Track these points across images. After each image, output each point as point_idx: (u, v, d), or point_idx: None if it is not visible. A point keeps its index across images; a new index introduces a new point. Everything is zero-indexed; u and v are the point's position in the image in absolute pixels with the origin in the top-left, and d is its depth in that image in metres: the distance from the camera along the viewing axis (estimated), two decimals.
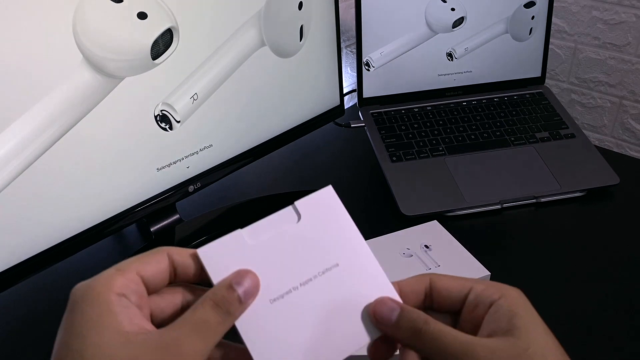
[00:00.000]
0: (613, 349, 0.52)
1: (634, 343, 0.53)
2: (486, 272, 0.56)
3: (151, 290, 0.29)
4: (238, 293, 0.28)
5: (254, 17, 0.60)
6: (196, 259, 0.29)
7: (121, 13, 0.49)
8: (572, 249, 0.65)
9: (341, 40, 0.74)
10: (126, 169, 0.54)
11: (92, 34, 0.47)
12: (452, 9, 0.81)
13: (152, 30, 0.51)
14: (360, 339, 0.31)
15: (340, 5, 0.71)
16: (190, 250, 0.30)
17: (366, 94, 0.83)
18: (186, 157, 0.60)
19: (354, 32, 0.80)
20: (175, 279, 0.30)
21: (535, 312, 0.30)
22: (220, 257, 0.30)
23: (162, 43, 0.53)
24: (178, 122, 0.57)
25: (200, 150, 0.61)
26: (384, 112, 0.83)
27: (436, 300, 0.32)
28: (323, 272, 0.31)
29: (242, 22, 0.59)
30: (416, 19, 0.81)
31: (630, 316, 0.56)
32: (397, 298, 0.31)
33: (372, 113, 0.83)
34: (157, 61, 0.53)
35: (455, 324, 0.32)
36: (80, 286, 0.27)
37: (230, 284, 0.28)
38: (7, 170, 0.46)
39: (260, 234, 0.31)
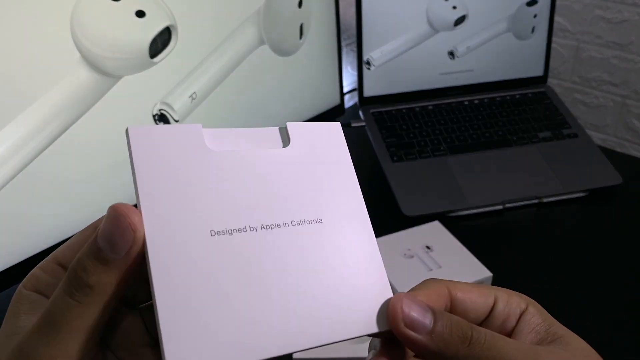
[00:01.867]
0: (616, 349, 0.52)
1: (638, 342, 0.53)
2: (488, 274, 0.56)
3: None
4: (104, 251, 0.20)
5: (253, 15, 0.60)
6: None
7: (119, 11, 0.48)
8: (574, 250, 0.65)
9: (341, 39, 0.73)
10: (125, 168, 0.54)
11: (90, 33, 0.47)
12: (454, 7, 0.80)
13: (150, 29, 0.51)
14: (350, 329, 0.22)
15: (340, 3, 0.71)
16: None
17: (367, 93, 0.83)
18: None
19: (354, 31, 0.80)
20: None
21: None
22: (161, 148, 0.21)
23: (161, 41, 0.52)
24: (177, 121, 0.57)
25: None
26: (385, 111, 0.82)
27: (456, 312, 0.27)
28: (297, 224, 0.23)
29: (241, 21, 0.59)
30: (417, 17, 0.80)
31: (634, 316, 0.56)
32: (383, 274, 0.25)
33: (373, 112, 0.82)
34: (155, 60, 0.52)
35: None
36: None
37: (92, 242, 0.21)
38: (4, 169, 0.45)
39: (228, 143, 0.23)
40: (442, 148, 0.76)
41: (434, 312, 0.24)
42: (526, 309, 0.28)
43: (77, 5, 0.46)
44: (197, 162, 0.22)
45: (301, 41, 0.67)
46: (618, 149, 1.11)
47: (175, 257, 0.20)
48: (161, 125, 0.23)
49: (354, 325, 0.23)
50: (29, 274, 0.24)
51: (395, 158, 0.75)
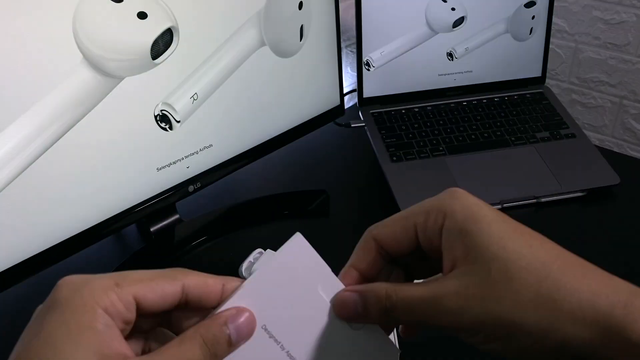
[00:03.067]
0: None
1: None
2: None
3: (147, 314, 0.26)
4: (230, 333, 0.26)
5: (254, 16, 0.60)
6: (219, 287, 0.27)
7: (121, 13, 0.49)
8: (572, 249, 0.65)
9: (341, 40, 0.74)
10: (126, 169, 0.54)
11: (92, 34, 0.47)
12: (453, 9, 0.81)
13: (152, 30, 0.51)
14: None
15: (340, 5, 0.71)
16: (214, 279, 0.27)
17: (366, 93, 0.83)
18: (186, 157, 0.60)
19: (354, 32, 0.80)
20: (184, 306, 0.27)
21: (485, 207, 0.27)
22: (292, 262, 0.29)
23: (162, 43, 0.53)
24: (178, 122, 0.57)
25: (200, 150, 0.61)
26: (384, 112, 0.83)
27: (393, 253, 0.29)
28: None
29: (242, 22, 0.59)
30: (416, 19, 0.80)
31: None
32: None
33: (373, 113, 0.83)
34: (157, 61, 0.53)
35: (432, 267, 0.29)
36: (69, 284, 0.24)
37: (225, 320, 0.26)
38: (6, 170, 0.46)
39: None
40: (440, 148, 0.77)
41: (360, 298, 0.27)
42: (443, 223, 0.27)
43: (79, 6, 0.46)
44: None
45: (301, 42, 0.67)
46: (616, 149, 1.11)
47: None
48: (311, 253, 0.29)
49: None
50: (103, 289, 0.24)
51: (394, 158, 0.75)
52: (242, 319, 0.26)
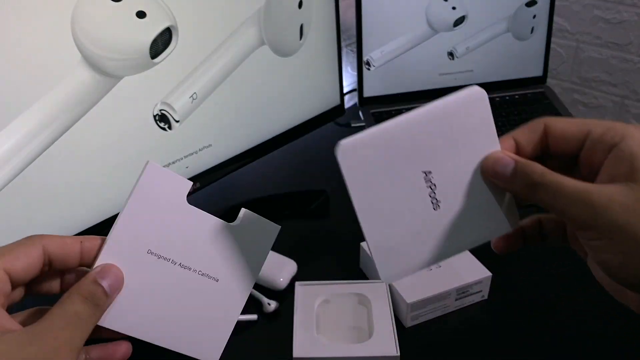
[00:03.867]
0: (614, 347, 0.52)
1: (636, 342, 0.53)
2: (487, 273, 0.56)
3: (20, 283, 0.28)
4: (103, 287, 0.29)
5: (254, 16, 0.60)
6: (79, 245, 0.29)
7: (120, 12, 0.48)
8: (573, 249, 0.65)
9: (341, 39, 0.73)
10: (125, 168, 0.54)
11: (91, 33, 0.47)
12: (453, 8, 0.81)
13: (151, 29, 0.51)
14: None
15: (340, 4, 0.71)
16: (72, 238, 0.30)
17: (367, 93, 0.83)
18: (185, 157, 0.59)
19: (354, 31, 0.80)
20: (49, 269, 0.30)
21: None
22: (155, 189, 0.31)
23: (161, 42, 0.52)
24: (177, 121, 0.57)
25: (200, 150, 0.61)
26: (385, 111, 0.83)
27: (552, 146, 0.31)
28: (201, 274, 0.33)
29: (241, 21, 0.59)
30: (417, 18, 0.80)
31: (634, 314, 0.56)
32: (223, 339, 0.33)
33: (373, 113, 0.82)
34: (156, 60, 0.53)
35: (573, 170, 0.31)
36: None
37: (94, 278, 0.29)
38: (5, 170, 0.45)
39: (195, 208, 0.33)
40: None
41: (515, 163, 0.30)
42: (619, 142, 0.28)
43: (78, 6, 0.46)
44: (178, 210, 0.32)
45: (301, 42, 0.67)
46: None
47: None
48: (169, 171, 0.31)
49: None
50: None
51: None
52: (109, 273, 0.29)
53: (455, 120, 0.31)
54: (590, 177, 0.29)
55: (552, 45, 0.89)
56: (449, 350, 0.52)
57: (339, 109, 0.77)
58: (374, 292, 0.54)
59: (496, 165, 0.31)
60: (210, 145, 0.61)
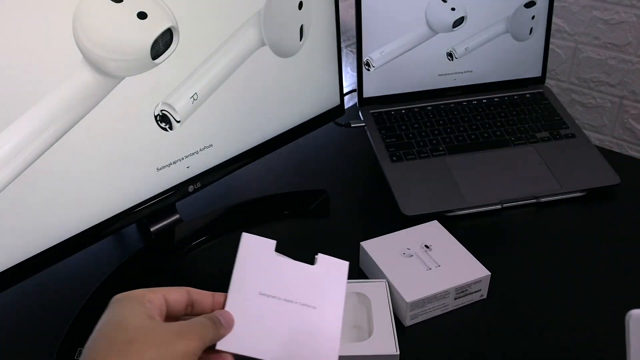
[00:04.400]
0: (614, 349, 0.52)
1: None
2: (486, 272, 0.56)
3: (170, 313, 0.37)
4: (220, 319, 0.37)
5: (254, 16, 0.60)
6: (212, 297, 0.39)
7: (121, 13, 0.49)
8: (572, 249, 0.65)
9: (341, 40, 0.74)
10: (126, 169, 0.54)
11: (92, 34, 0.47)
12: (453, 9, 0.81)
13: (152, 30, 0.51)
14: None
15: (340, 5, 0.71)
16: (208, 293, 0.39)
17: (366, 93, 0.83)
18: (186, 157, 0.60)
19: (354, 32, 0.80)
20: (190, 313, 0.38)
21: None
22: (252, 251, 0.42)
23: (162, 43, 0.53)
24: (178, 122, 0.57)
25: (200, 150, 0.61)
26: (384, 112, 0.83)
27: None
28: (302, 304, 0.40)
29: (242, 22, 0.59)
30: (416, 19, 0.80)
31: None
32: (335, 347, 0.39)
33: (372, 113, 0.83)
34: (157, 61, 0.53)
35: None
36: (120, 294, 0.36)
37: (216, 315, 0.37)
38: (7, 170, 0.46)
39: (284, 257, 0.42)
40: (440, 148, 0.77)
41: None
42: None
43: (79, 6, 0.46)
44: (268, 260, 0.42)
45: (301, 42, 0.67)
46: (615, 149, 1.11)
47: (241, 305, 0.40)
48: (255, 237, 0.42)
49: None
50: (144, 291, 0.36)
51: (394, 158, 0.75)
52: (225, 314, 0.38)
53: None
54: None
55: (550, 46, 0.89)
56: (449, 349, 0.53)
57: (339, 109, 0.77)
58: (374, 291, 0.54)
59: None
60: (211, 145, 0.62)
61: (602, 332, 0.54)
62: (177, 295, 0.37)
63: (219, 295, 0.39)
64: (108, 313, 0.34)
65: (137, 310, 0.34)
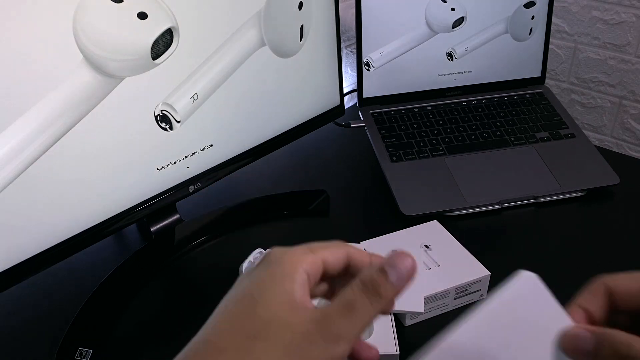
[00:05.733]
0: None
1: None
2: (486, 272, 0.56)
3: (326, 276, 0.31)
4: (389, 276, 0.28)
5: (254, 17, 0.60)
6: (368, 258, 0.31)
7: (121, 13, 0.49)
8: (572, 249, 0.65)
9: (341, 40, 0.74)
10: (126, 169, 0.54)
11: (92, 34, 0.47)
12: (452, 9, 0.81)
13: (152, 30, 0.51)
14: None
15: (340, 5, 0.71)
16: (367, 253, 0.31)
17: (366, 94, 0.83)
18: (186, 157, 0.60)
19: (354, 32, 0.80)
20: (346, 274, 0.31)
21: None
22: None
23: (162, 43, 0.53)
24: (178, 122, 0.57)
25: (201, 150, 0.61)
26: (384, 112, 0.83)
27: (621, 305, 0.30)
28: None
29: (242, 22, 0.59)
30: (416, 19, 0.81)
31: None
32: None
33: (372, 113, 0.83)
34: (157, 61, 0.53)
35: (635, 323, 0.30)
36: (277, 251, 0.29)
37: (381, 266, 0.28)
38: (7, 170, 0.46)
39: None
40: (440, 148, 0.77)
41: (594, 337, 0.27)
42: None
43: (80, 7, 0.46)
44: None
45: (301, 43, 0.67)
46: (615, 149, 1.11)
47: None
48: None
49: None
50: (304, 253, 0.29)
51: (394, 158, 0.75)
52: (398, 261, 0.28)
53: (516, 310, 0.29)
54: None
55: (550, 46, 0.89)
56: None
57: (339, 109, 0.77)
58: None
59: (575, 342, 0.28)
60: (211, 145, 0.62)
61: None
62: (336, 255, 0.30)
63: (376, 257, 0.32)
64: (250, 278, 0.29)
65: (283, 287, 0.28)
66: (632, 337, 0.27)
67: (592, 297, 0.31)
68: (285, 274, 0.28)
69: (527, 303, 0.30)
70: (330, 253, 0.30)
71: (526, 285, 0.30)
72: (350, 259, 0.31)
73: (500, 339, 0.29)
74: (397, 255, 0.29)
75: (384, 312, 0.29)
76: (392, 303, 0.29)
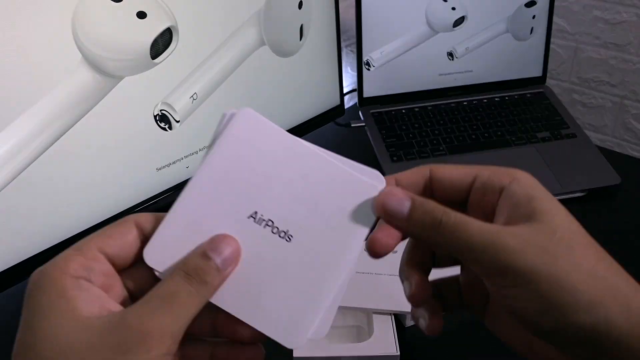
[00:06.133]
0: None
1: None
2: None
3: (121, 265, 0.26)
4: (214, 261, 0.25)
5: (254, 16, 0.60)
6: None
7: (120, 12, 0.49)
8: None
9: (341, 40, 0.74)
10: (125, 169, 0.54)
11: (92, 34, 0.47)
12: (453, 8, 0.81)
13: (151, 30, 0.51)
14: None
15: (340, 4, 0.71)
16: (160, 215, 0.27)
17: (366, 93, 0.83)
18: (186, 157, 0.60)
19: (354, 32, 0.80)
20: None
21: (551, 195, 0.27)
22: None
23: (162, 42, 0.53)
24: (177, 121, 0.57)
25: (200, 150, 0.61)
26: (385, 111, 0.83)
27: (437, 192, 0.29)
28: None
29: (241, 22, 0.59)
30: (417, 19, 0.80)
31: None
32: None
33: (373, 113, 0.82)
34: (156, 61, 0.53)
35: None
36: (36, 272, 0.25)
37: (203, 252, 0.25)
38: (6, 170, 0.46)
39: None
40: (441, 148, 0.77)
41: (412, 200, 0.27)
42: (509, 183, 0.27)
43: (79, 6, 0.46)
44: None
45: (301, 42, 0.67)
46: (616, 149, 1.11)
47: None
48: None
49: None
50: (66, 259, 0.25)
51: (394, 158, 0.75)
52: (222, 244, 0.26)
53: (247, 153, 0.28)
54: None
55: (551, 46, 0.89)
56: (449, 349, 0.52)
57: (339, 109, 0.77)
58: None
59: (390, 201, 0.27)
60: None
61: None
62: (120, 240, 0.26)
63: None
64: (22, 318, 0.25)
65: (57, 310, 0.23)
66: (450, 209, 0.26)
67: (413, 176, 0.30)
68: (52, 299, 0.23)
69: (256, 141, 0.27)
70: (110, 239, 0.26)
71: (246, 122, 0.27)
72: (145, 229, 0.27)
73: (241, 187, 0.27)
74: (219, 238, 0.26)
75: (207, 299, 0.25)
76: (215, 289, 0.25)
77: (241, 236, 0.27)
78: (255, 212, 0.27)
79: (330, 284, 0.27)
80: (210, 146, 0.29)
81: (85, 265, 0.25)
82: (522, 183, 0.27)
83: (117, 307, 0.25)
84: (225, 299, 0.26)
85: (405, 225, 0.27)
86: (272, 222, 0.27)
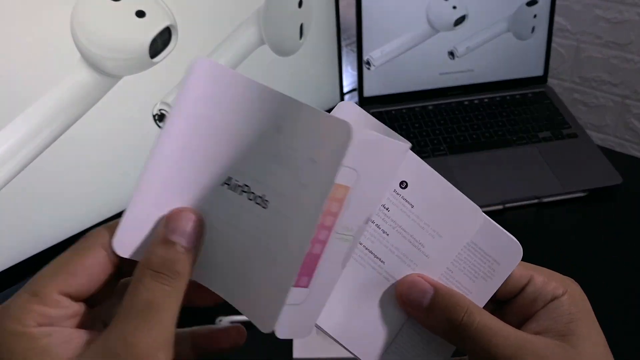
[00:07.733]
0: (616, 349, 0.52)
1: (638, 343, 0.53)
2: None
3: (94, 294, 0.23)
4: (180, 243, 0.22)
5: (254, 15, 0.60)
6: None
7: (119, 11, 0.48)
8: (574, 250, 0.65)
9: (341, 39, 0.73)
10: (125, 168, 0.54)
11: (90, 33, 0.47)
12: (454, 7, 0.81)
13: (150, 29, 0.51)
14: None
15: (340, 3, 0.71)
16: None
17: (367, 93, 0.83)
18: None
19: (354, 31, 0.80)
20: (125, 268, 0.24)
21: (593, 314, 0.27)
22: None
23: (161, 41, 0.52)
24: None
25: None
26: (385, 111, 0.83)
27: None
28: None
29: (241, 20, 0.59)
30: (417, 18, 0.80)
31: (634, 316, 0.56)
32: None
33: (373, 112, 0.82)
34: (155, 60, 0.52)
35: (496, 311, 0.27)
36: None
37: (164, 237, 0.22)
38: (4, 170, 0.45)
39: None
40: (442, 148, 0.76)
41: (435, 292, 0.25)
42: (561, 296, 0.27)
43: (77, 5, 0.46)
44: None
45: (301, 41, 0.67)
46: (618, 149, 1.11)
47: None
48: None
49: None
50: (23, 309, 0.22)
51: None
52: (180, 221, 0.23)
53: (213, 103, 0.24)
54: (516, 325, 0.26)
55: (552, 45, 0.89)
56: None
57: None
58: None
59: (412, 290, 0.25)
60: None
61: (604, 332, 0.54)
62: (85, 275, 0.22)
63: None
64: None
65: None
66: (473, 304, 0.25)
67: None
68: (26, 357, 0.21)
69: (219, 95, 0.23)
70: (72, 278, 0.22)
71: (204, 75, 0.23)
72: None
73: (209, 151, 0.23)
74: (175, 215, 0.23)
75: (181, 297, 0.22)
76: (189, 274, 0.22)
77: (215, 210, 0.23)
78: (230, 178, 0.24)
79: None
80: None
81: (46, 314, 0.22)
82: (571, 299, 0.27)
83: (97, 336, 0.22)
84: (202, 273, 0.23)
85: (423, 318, 0.25)
86: (248, 187, 0.23)
